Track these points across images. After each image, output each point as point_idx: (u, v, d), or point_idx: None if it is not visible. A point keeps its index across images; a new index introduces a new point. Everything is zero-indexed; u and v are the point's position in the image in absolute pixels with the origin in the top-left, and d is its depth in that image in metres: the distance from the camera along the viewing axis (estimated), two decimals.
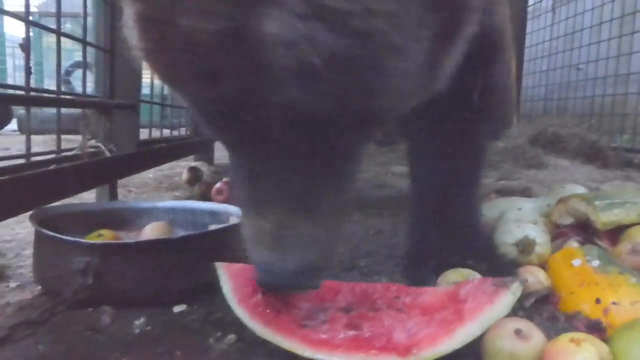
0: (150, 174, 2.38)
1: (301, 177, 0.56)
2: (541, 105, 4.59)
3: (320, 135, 0.54)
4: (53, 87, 1.32)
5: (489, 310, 0.69)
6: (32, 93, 1.07)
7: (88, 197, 1.56)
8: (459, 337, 0.67)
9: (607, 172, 2.88)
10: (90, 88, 1.40)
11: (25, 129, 1.05)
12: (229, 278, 0.79)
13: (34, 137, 1.06)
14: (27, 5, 1.02)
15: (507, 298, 0.71)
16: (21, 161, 1.01)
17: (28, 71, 1.04)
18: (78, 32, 1.31)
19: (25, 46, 1.04)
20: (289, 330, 0.72)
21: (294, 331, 0.71)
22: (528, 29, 4.56)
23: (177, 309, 0.87)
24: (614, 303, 0.77)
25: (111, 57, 1.37)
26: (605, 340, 0.69)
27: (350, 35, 0.44)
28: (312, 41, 0.44)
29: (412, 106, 0.60)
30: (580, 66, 4.03)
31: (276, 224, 0.57)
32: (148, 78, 1.82)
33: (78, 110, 1.31)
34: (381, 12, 0.45)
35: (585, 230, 1.12)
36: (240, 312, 0.75)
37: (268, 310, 0.74)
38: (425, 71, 0.54)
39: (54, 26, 1.18)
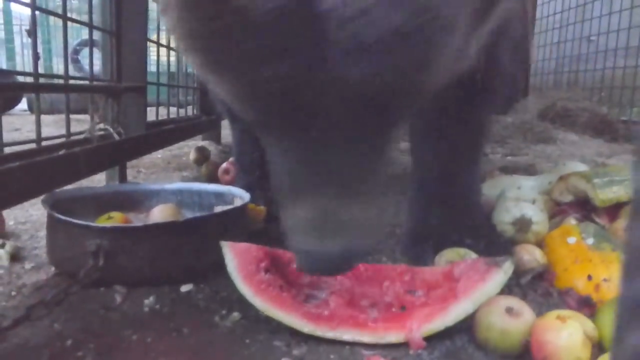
0: (158, 154, 2.41)
1: (343, 162, 0.55)
2: (552, 79, 4.53)
3: (367, 115, 0.53)
4: (62, 66, 1.33)
5: (481, 288, 0.72)
6: (41, 79, 1.09)
7: (99, 178, 1.59)
8: (453, 314, 0.71)
9: (615, 146, 2.86)
10: (97, 67, 1.42)
11: (35, 114, 1.07)
12: (234, 256, 0.82)
13: (44, 117, 1.09)
14: None
15: (499, 276, 0.74)
16: (32, 146, 1.05)
17: (36, 58, 1.05)
18: (84, 8, 1.31)
19: (33, 33, 1.06)
20: (291, 307, 0.75)
21: (295, 308, 0.75)
22: (539, 1, 4.48)
23: (185, 288, 0.90)
24: (605, 280, 0.79)
25: (117, 39, 1.39)
26: (594, 315, 0.71)
27: (407, 11, 0.45)
28: (369, 17, 0.44)
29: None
30: (592, 38, 3.97)
31: (318, 210, 0.56)
32: (154, 57, 1.83)
33: None
34: None
35: (584, 207, 1.13)
36: (244, 289, 0.78)
37: (271, 288, 0.78)
38: (461, 48, 0.54)
39: (59, 4, 1.18)
